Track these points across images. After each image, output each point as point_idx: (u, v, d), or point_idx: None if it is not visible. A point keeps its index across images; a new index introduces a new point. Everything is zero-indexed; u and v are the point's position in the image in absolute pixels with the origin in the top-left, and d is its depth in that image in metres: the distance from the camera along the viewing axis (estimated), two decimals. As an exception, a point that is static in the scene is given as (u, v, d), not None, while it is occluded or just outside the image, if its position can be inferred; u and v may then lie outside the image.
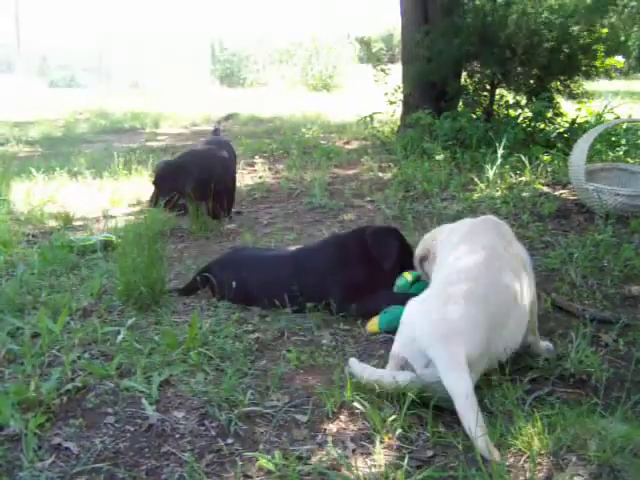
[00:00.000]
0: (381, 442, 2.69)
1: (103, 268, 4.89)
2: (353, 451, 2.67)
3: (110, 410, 3.04)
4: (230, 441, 2.78)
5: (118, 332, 3.78)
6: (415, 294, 3.33)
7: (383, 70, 10.79)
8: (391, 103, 10.70)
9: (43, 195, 7.08)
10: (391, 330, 3.46)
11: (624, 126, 8.77)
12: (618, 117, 9.26)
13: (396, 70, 11.07)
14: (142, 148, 10.68)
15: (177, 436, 2.83)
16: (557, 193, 6.88)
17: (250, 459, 2.65)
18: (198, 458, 2.66)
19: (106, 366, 3.37)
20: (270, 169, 8.98)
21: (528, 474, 2.45)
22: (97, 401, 3.10)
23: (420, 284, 3.87)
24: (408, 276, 3.99)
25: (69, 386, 3.17)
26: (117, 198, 7.13)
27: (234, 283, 4.17)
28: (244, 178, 8.48)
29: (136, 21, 29.01)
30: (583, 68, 9.44)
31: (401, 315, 3.17)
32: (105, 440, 2.81)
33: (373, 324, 3.80)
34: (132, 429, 2.89)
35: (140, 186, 7.54)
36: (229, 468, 2.60)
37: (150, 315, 4.11)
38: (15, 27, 28.87)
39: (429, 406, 2.86)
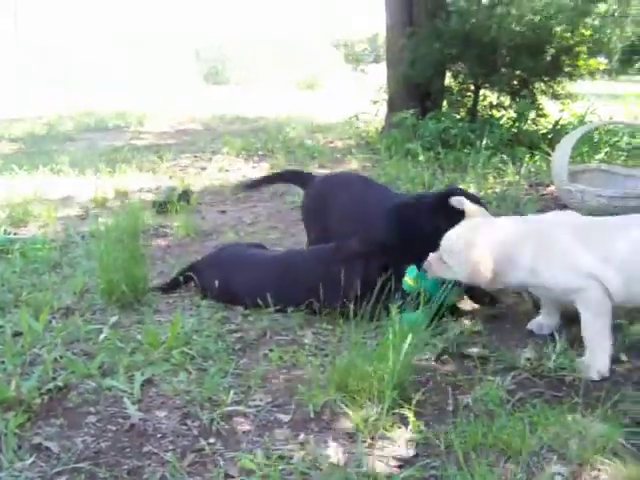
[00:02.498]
0: (363, 442, 2.70)
1: (85, 266, 4.86)
2: (335, 450, 2.67)
3: (92, 409, 3.03)
4: (212, 440, 2.78)
5: (100, 331, 3.77)
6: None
7: (363, 71, 10.82)
8: (374, 103, 10.73)
9: (25, 193, 7.04)
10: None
11: (606, 128, 8.83)
12: (600, 119, 9.31)
13: (381, 70, 11.09)
14: (126, 146, 10.64)
15: (159, 435, 2.83)
16: (540, 194, 6.91)
17: (232, 459, 2.65)
18: (180, 458, 2.65)
19: (88, 365, 3.36)
20: (255, 168, 8.98)
21: (509, 474, 2.46)
22: (79, 400, 3.09)
23: (428, 280, 3.71)
24: (408, 280, 3.82)
25: (50, 385, 3.15)
26: (101, 196, 7.09)
27: (217, 282, 4.16)
28: (228, 177, 8.46)
29: (123, 21, 28.83)
30: (566, 69, 9.50)
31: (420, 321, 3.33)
32: (86, 440, 2.80)
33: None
34: (114, 428, 2.89)
35: (123, 184, 7.51)
36: (211, 468, 2.60)
37: (133, 314, 4.10)
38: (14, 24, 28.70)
39: (411, 405, 2.88)
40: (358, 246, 4.05)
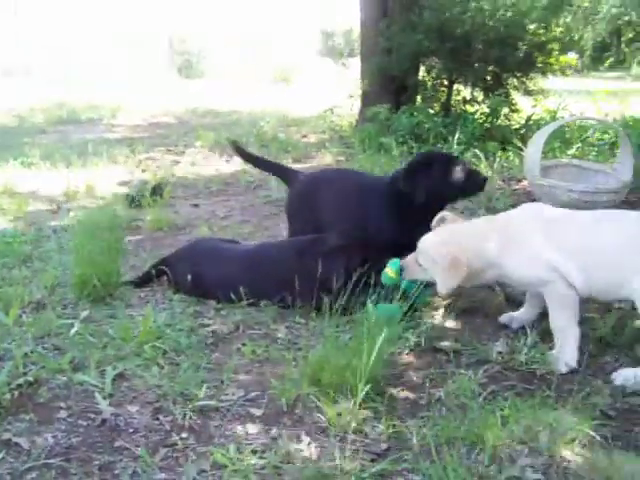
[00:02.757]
0: (336, 436, 2.71)
1: (57, 260, 4.82)
2: (308, 445, 2.68)
3: (62, 405, 3.00)
4: (184, 435, 2.77)
5: (72, 325, 3.73)
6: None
7: (344, 64, 10.83)
8: (350, 97, 10.74)
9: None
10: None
11: (578, 124, 8.90)
12: (572, 114, 9.39)
13: (355, 64, 11.09)
14: (99, 139, 10.55)
15: (131, 430, 2.81)
16: (512, 188, 6.95)
17: (204, 453, 2.64)
18: (152, 453, 2.64)
19: (59, 360, 3.33)
20: (228, 161, 8.95)
21: (481, 467, 2.48)
22: (49, 395, 3.07)
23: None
24: (389, 271, 3.79)
25: (20, 380, 3.12)
26: (73, 190, 7.03)
27: (189, 275, 4.14)
28: (201, 171, 8.43)
29: (96, 13, 28.57)
30: (539, 65, 9.56)
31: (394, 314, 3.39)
32: (57, 435, 2.78)
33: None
34: (85, 424, 2.86)
35: (96, 177, 7.45)
36: (183, 462, 2.59)
37: (104, 308, 4.07)
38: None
39: (384, 399, 2.89)
40: (337, 239, 4.08)
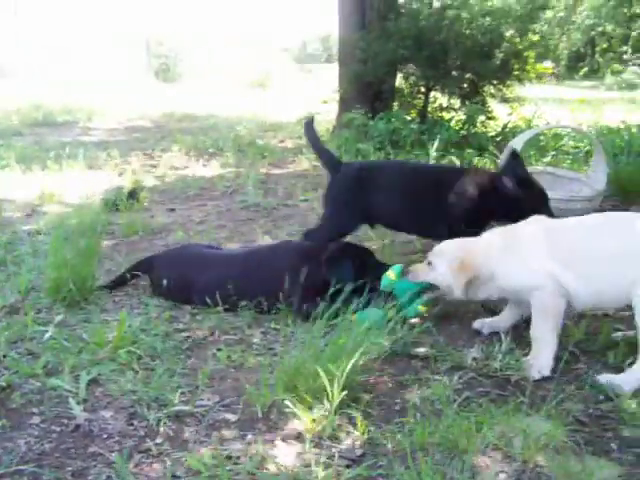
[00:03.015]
0: (311, 442, 2.71)
1: (31, 264, 4.77)
2: (283, 451, 2.67)
3: (35, 410, 2.98)
4: (159, 441, 2.76)
5: (46, 330, 3.71)
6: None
7: (309, 71, 10.90)
8: (324, 102, 10.77)
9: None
10: None
11: (553, 131, 8.99)
12: (548, 122, 9.48)
13: (333, 70, 11.13)
14: (75, 142, 10.48)
15: (105, 436, 2.80)
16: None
17: (179, 459, 2.63)
18: (126, 458, 2.62)
19: (32, 365, 3.31)
20: (205, 166, 8.93)
21: (455, 472, 2.49)
22: (22, 401, 3.04)
23: (405, 283, 3.81)
24: (391, 274, 3.88)
25: (-7, 385, 3.10)
26: (48, 193, 6.98)
27: (171, 280, 4.12)
28: (178, 175, 8.40)
29: (74, 15, 28.40)
30: (515, 73, 9.64)
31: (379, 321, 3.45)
32: (30, 441, 2.75)
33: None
34: (58, 429, 2.84)
35: (71, 181, 7.41)
36: (157, 468, 2.58)
37: (79, 313, 4.05)
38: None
39: (359, 406, 2.89)
40: (339, 246, 4.17)
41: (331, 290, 3.58)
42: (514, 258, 3.46)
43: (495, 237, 3.63)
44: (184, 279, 4.16)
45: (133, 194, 6.82)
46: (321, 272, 3.92)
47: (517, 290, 3.50)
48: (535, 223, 3.59)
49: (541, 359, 3.31)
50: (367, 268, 3.98)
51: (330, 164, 4.88)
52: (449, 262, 3.57)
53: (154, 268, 4.36)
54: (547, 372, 3.27)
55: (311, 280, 3.85)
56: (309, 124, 5.11)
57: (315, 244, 4.33)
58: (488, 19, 9.50)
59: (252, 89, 22.91)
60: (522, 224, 3.64)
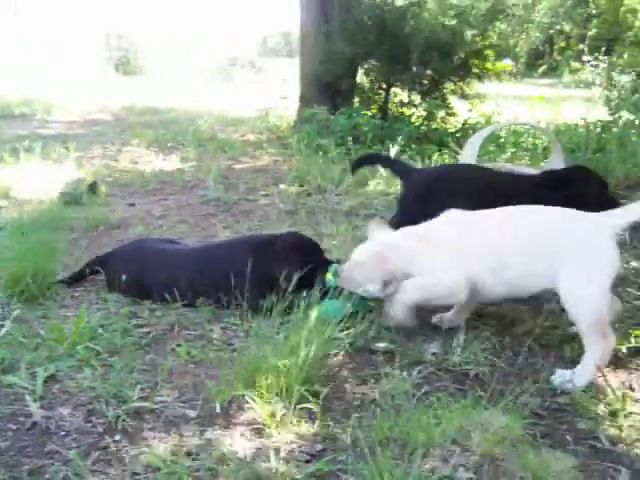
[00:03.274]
0: (271, 437, 2.71)
1: (-14, 259, 4.70)
2: (243, 446, 2.67)
3: (-9, 407, 2.94)
4: (117, 438, 2.73)
5: (2, 325, 3.65)
6: None
7: (271, 65, 10.94)
8: (283, 98, 10.79)
9: None
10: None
11: (512, 128, 9.09)
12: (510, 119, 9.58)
13: (294, 65, 11.13)
14: (32, 135, 10.32)
15: (62, 434, 2.76)
16: (448, 191, 7.05)
17: (138, 456, 2.61)
18: (84, 456, 2.59)
19: (-12, 361, 3.26)
20: (165, 160, 8.87)
21: (414, 467, 2.50)
22: (-23, 398, 2.99)
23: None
24: (329, 275, 3.91)
25: (-54, 382, 3.05)
26: (4, 187, 6.87)
27: (125, 275, 4.08)
28: (138, 169, 8.33)
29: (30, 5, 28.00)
30: (475, 70, 9.74)
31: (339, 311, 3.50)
32: (-15, 439, 2.71)
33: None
34: (14, 427, 2.80)
35: (29, 175, 7.30)
36: (116, 465, 2.56)
37: (37, 308, 3.99)
38: None
39: (318, 400, 2.90)
40: (289, 239, 4.16)
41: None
42: (426, 256, 3.59)
43: (408, 236, 3.75)
44: (139, 274, 4.12)
45: (92, 188, 6.76)
46: (271, 265, 3.92)
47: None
48: (447, 218, 3.71)
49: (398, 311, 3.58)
50: (313, 262, 3.98)
51: (401, 171, 4.86)
52: (364, 265, 3.66)
53: (109, 264, 4.31)
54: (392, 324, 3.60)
55: (261, 274, 3.84)
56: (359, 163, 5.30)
57: (268, 237, 4.34)
58: (451, 16, 9.58)
59: (213, 83, 22.81)
60: (435, 221, 3.74)
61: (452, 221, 3.66)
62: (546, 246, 3.35)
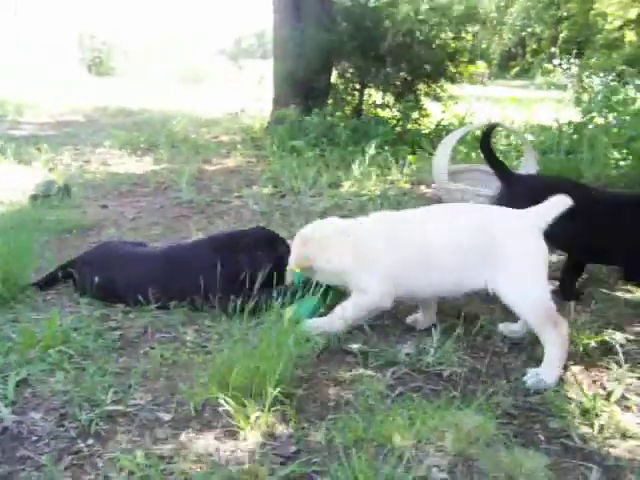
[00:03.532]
0: (245, 439, 2.71)
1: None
2: (217, 449, 2.66)
3: (-39, 413, 2.90)
4: (90, 442, 2.71)
5: (-28, 330, 3.61)
6: None
7: (240, 67, 10.96)
8: (257, 101, 10.80)
9: None
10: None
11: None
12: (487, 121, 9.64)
13: (267, 66, 11.12)
14: (3, 137, 10.23)
15: (34, 438, 2.74)
16: (421, 192, 7.09)
17: (111, 460, 2.59)
18: (56, 461, 2.58)
19: (-42, 366, 3.22)
20: (138, 162, 8.83)
21: (388, 467, 2.51)
22: (-54, 404, 2.95)
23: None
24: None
25: None
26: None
27: (97, 279, 4.05)
28: (111, 171, 8.28)
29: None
30: (449, 73, 9.81)
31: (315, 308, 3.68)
32: (-45, 445, 2.68)
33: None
34: (-15, 433, 2.78)
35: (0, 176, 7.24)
36: (89, 470, 2.54)
37: (7, 312, 3.95)
38: None
39: (292, 402, 2.90)
40: (254, 234, 4.19)
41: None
42: (349, 256, 3.61)
43: (338, 230, 3.77)
44: (107, 278, 4.09)
45: (64, 190, 6.70)
46: (236, 265, 3.94)
47: (345, 281, 3.68)
48: (376, 219, 3.79)
49: (324, 327, 3.58)
50: (280, 258, 4.03)
51: (502, 175, 4.80)
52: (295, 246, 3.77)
53: (78, 267, 4.28)
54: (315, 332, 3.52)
55: (227, 273, 3.84)
56: (487, 134, 4.98)
57: (232, 235, 4.34)
58: (430, 17, 9.64)
59: (186, 84, 22.73)
60: (364, 220, 3.82)
61: (381, 221, 3.74)
62: (478, 244, 3.39)
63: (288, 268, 3.87)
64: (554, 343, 3.22)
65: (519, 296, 3.32)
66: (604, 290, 4.39)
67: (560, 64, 23.41)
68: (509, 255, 3.33)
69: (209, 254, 4.04)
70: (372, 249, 3.57)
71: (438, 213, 3.70)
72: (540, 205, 3.43)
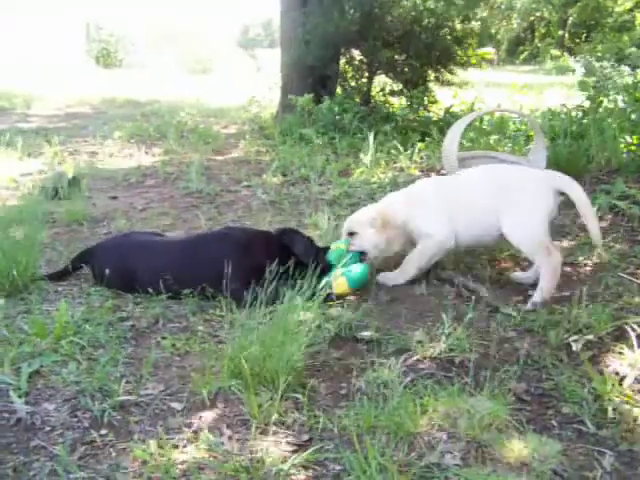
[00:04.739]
0: (257, 428, 2.71)
1: (-32, 255, 4.66)
2: (229, 438, 2.67)
3: (-25, 404, 2.91)
4: (104, 432, 2.72)
5: (-17, 322, 3.62)
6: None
7: (253, 56, 10.92)
8: (269, 89, 10.75)
9: None
10: (360, 287, 4.00)
11: (495, 115, 9.10)
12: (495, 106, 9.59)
13: (275, 56, 11.09)
14: (12, 129, 10.25)
15: (48, 429, 2.75)
16: (431, 179, 7.06)
17: (124, 449, 2.60)
18: (70, 451, 2.58)
19: (-29, 358, 3.23)
20: (147, 153, 8.83)
21: (401, 454, 2.51)
22: (-40, 395, 2.97)
23: (354, 254, 4.22)
24: (341, 245, 4.27)
25: None
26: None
27: (107, 270, 4.05)
28: (120, 162, 8.29)
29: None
30: (457, 58, 9.76)
31: (367, 273, 4.10)
32: (-31, 436, 2.69)
33: (341, 284, 3.96)
34: (-1, 423, 2.79)
35: (10, 169, 7.24)
36: (103, 459, 2.55)
37: (19, 303, 3.96)
38: None
39: (305, 390, 2.90)
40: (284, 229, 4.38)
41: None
42: (416, 211, 4.26)
43: (398, 197, 4.45)
44: (125, 268, 4.10)
45: (74, 182, 6.71)
46: (255, 257, 3.98)
47: (420, 236, 4.25)
48: (427, 181, 4.60)
49: (398, 279, 4.24)
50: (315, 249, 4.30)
51: None
52: (371, 225, 4.26)
53: (95, 258, 4.28)
54: (393, 283, 4.23)
55: (245, 265, 3.87)
56: None
57: (250, 230, 4.42)
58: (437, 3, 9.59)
59: (195, 74, 22.71)
60: (418, 184, 4.50)
61: (431, 183, 4.51)
62: (498, 196, 4.08)
63: (332, 246, 4.28)
64: (548, 265, 3.91)
65: (516, 230, 4.02)
66: (618, 275, 4.36)
67: (569, 49, 23.27)
68: (517, 202, 4.02)
69: (230, 246, 4.07)
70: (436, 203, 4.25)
71: (476, 174, 4.38)
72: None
